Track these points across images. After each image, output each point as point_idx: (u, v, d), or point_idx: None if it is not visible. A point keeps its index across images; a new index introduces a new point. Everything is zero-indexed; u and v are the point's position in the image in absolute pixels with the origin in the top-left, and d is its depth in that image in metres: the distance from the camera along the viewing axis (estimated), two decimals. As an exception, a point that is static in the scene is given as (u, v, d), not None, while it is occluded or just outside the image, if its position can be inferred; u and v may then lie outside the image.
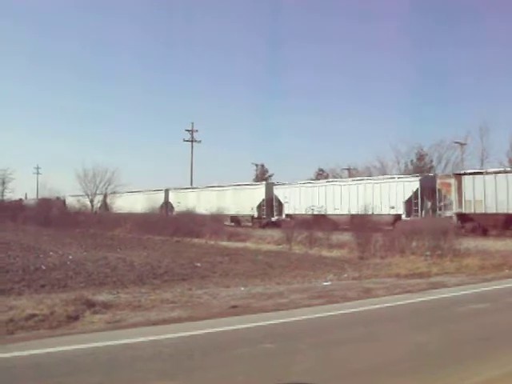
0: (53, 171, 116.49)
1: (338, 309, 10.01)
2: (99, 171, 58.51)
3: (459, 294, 12.26)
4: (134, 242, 29.98)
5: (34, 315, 8.58)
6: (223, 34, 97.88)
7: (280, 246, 26.21)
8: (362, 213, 33.85)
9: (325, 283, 13.74)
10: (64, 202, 65.71)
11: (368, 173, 51.36)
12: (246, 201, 48.31)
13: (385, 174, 49.14)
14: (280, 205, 45.97)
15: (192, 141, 67.24)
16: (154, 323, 8.58)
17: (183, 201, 52.84)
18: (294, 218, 39.55)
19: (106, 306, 9.76)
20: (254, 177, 71.95)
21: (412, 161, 55.46)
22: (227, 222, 44.77)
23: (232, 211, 48.21)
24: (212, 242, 29.48)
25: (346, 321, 9.26)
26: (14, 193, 76.82)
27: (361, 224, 27.29)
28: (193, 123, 67.72)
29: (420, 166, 53.08)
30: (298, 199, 43.94)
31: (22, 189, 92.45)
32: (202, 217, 40.80)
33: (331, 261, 19.99)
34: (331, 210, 40.83)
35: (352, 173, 57.64)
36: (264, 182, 51.88)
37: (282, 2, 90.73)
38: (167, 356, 6.51)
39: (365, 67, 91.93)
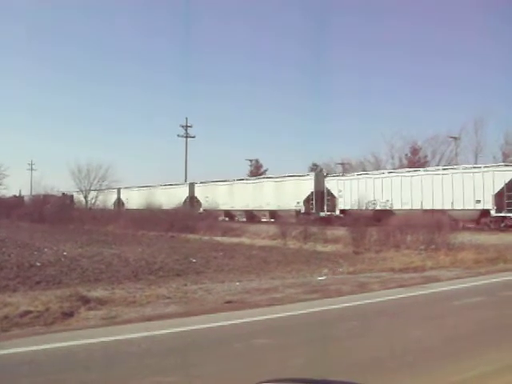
0: (47, 168, 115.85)
1: (333, 303, 10.03)
2: (93, 167, 58.26)
3: (454, 288, 12.30)
4: (128, 237, 29.96)
5: (28, 312, 8.57)
6: (218, 30, 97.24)
7: (275, 241, 26.22)
8: (439, 208, 31.51)
9: (320, 278, 13.76)
10: (71, 198, 62.30)
11: (362, 168, 51.30)
12: (290, 194, 43.11)
13: (379, 168, 48.08)
14: (333, 199, 41.05)
15: (186, 136, 67.04)
16: (149, 319, 8.58)
17: (212, 195, 49.88)
18: (350, 214, 33.45)
19: (101, 302, 9.75)
20: (248, 172, 71.79)
21: (406, 155, 55.52)
22: (265, 218, 41.42)
23: (272, 206, 43.54)
24: (207, 238, 29.47)
25: (340, 315, 9.28)
26: (8, 189, 76.33)
27: (437, 221, 23.62)
28: (187, 118, 67.41)
29: (414, 161, 53.11)
30: (355, 192, 38.12)
31: (16, 185, 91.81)
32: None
33: (326, 255, 20.02)
34: (398, 204, 35.77)
35: (346, 167, 57.57)
36: (313, 173, 45.87)
37: None
38: (162, 352, 6.52)
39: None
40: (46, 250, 21.29)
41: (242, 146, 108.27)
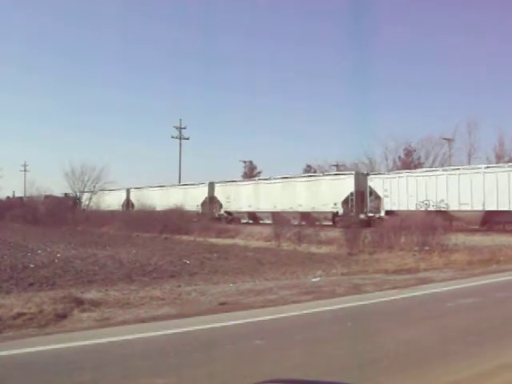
0: (40, 170, 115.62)
1: (327, 305, 10.04)
2: (87, 169, 57.94)
3: (447, 290, 12.32)
4: (122, 239, 29.91)
5: (22, 314, 8.55)
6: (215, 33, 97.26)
7: (269, 243, 26.23)
8: (506, 209, 29.59)
9: (314, 279, 13.77)
10: (75, 199, 59.48)
11: (356, 169, 51.37)
12: (325, 195, 39.59)
13: (373, 170, 48.06)
14: (377, 199, 37.94)
15: (180, 138, 66.93)
16: (143, 320, 8.57)
17: (234, 196, 47.20)
18: (399, 215, 30.85)
19: (95, 304, 9.74)
20: (242, 174, 71.80)
21: (400, 157, 55.66)
22: (296, 221, 34.73)
23: (304, 208, 39.69)
24: (201, 239, 29.46)
25: (334, 317, 9.28)
26: (2, 191, 76.11)
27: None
28: (181, 120, 67.26)
29: (408, 162, 53.25)
30: (404, 192, 35.72)
31: (9, 187, 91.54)
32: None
33: (320, 257, 20.05)
34: (455, 205, 32.88)
35: (340, 169, 57.64)
36: (353, 172, 41.39)
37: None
38: (156, 353, 6.51)
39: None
40: (39, 251, 21.24)
41: (235, 148, 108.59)
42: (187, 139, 67.57)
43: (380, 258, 18.68)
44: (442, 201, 33.24)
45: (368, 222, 33.30)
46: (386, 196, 36.94)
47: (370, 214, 37.04)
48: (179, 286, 12.49)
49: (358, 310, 9.93)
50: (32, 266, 16.21)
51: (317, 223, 30.70)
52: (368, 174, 40.06)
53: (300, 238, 25.64)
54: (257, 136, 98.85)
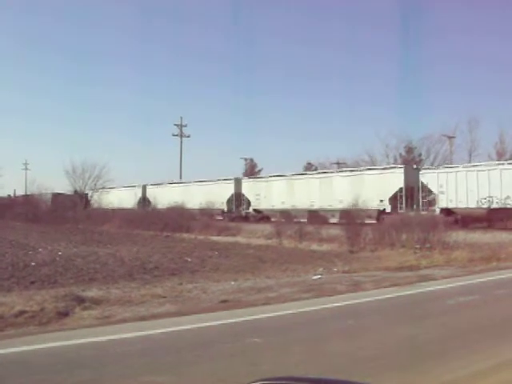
0: (41, 168, 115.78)
1: (327, 302, 10.06)
2: (88, 167, 57.90)
3: (448, 287, 12.34)
4: (123, 237, 29.92)
5: (23, 312, 8.56)
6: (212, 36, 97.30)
7: (270, 241, 26.24)
8: None
9: (314, 277, 13.78)
10: (86, 197, 57.98)
11: (357, 167, 51.28)
12: (370, 191, 36.21)
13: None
14: (429, 195, 34.83)
15: (181, 135, 66.80)
16: (144, 318, 8.58)
17: (265, 193, 44.35)
18: (458, 213, 29.88)
19: (96, 302, 9.76)
20: (243, 171, 71.70)
21: (401, 154, 55.60)
22: (335, 220, 33.98)
23: (345, 205, 34.97)
24: (202, 237, 29.46)
25: (334, 314, 9.31)
26: (3, 189, 76.06)
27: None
28: (182, 117, 67.05)
29: (409, 160, 53.21)
30: (462, 188, 32.57)
31: (10, 185, 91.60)
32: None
33: (321, 255, 20.06)
34: None
35: (341, 167, 57.56)
36: (402, 166, 38.43)
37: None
38: (157, 351, 6.53)
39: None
40: (40, 249, 21.26)
41: (236, 146, 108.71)
42: (188, 137, 67.46)
43: (381, 256, 18.70)
44: (508, 197, 30.35)
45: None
46: (442, 192, 33.79)
47: (423, 212, 32.54)
48: (180, 284, 12.50)
49: (358, 307, 9.95)
50: (33, 264, 16.22)
51: (359, 221, 27.51)
52: (419, 169, 37.56)
53: (301, 235, 25.65)
54: (257, 134, 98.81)
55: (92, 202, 56.45)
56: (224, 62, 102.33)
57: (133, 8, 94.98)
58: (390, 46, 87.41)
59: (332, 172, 42.53)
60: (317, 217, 32.03)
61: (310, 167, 64.56)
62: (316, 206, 38.40)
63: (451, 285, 12.62)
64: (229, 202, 47.06)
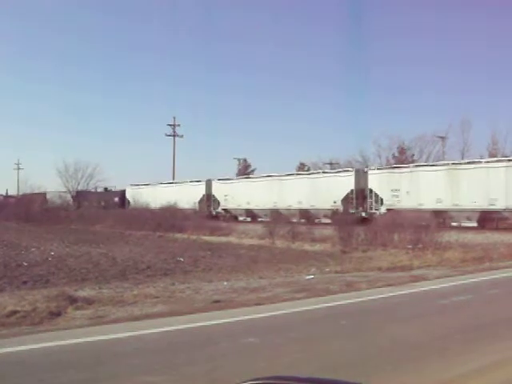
0: (33, 168, 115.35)
1: (320, 302, 10.06)
2: (80, 166, 57.76)
3: (441, 287, 12.38)
4: (116, 237, 29.85)
5: (15, 312, 8.53)
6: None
7: (263, 241, 26.21)
8: None
9: (307, 277, 13.79)
10: (123, 196, 56.05)
11: (350, 167, 51.32)
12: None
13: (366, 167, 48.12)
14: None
15: (174, 135, 66.64)
16: (137, 318, 8.57)
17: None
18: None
19: (89, 302, 9.73)
20: (236, 171, 71.59)
21: (393, 155, 55.66)
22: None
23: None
24: (194, 237, 29.40)
25: (327, 314, 9.31)
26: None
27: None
28: (174, 117, 66.89)
29: (402, 160, 53.28)
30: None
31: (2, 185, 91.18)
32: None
33: (314, 255, 20.06)
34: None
35: (334, 167, 57.58)
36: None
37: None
38: (150, 351, 6.52)
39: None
40: (33, 249, 21.19)
41: (229, 147, 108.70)
42: (181, 137, 67.25)
43: (373, 256, 18.72)
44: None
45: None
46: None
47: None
48: (173, 284, 12.49)
49: (351, 307, 9.96)
50: (25, 264, 16.17)
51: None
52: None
53: (294, 235, 25.65)
54: (250, 135, 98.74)
55: (131, 201, 52.86)
56: (217, 63, 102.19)
57: (123, 14, 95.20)
58: (382, 47, 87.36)
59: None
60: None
61: (302, 167, 64.51)
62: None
63: (444, 285, 12.66)
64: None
